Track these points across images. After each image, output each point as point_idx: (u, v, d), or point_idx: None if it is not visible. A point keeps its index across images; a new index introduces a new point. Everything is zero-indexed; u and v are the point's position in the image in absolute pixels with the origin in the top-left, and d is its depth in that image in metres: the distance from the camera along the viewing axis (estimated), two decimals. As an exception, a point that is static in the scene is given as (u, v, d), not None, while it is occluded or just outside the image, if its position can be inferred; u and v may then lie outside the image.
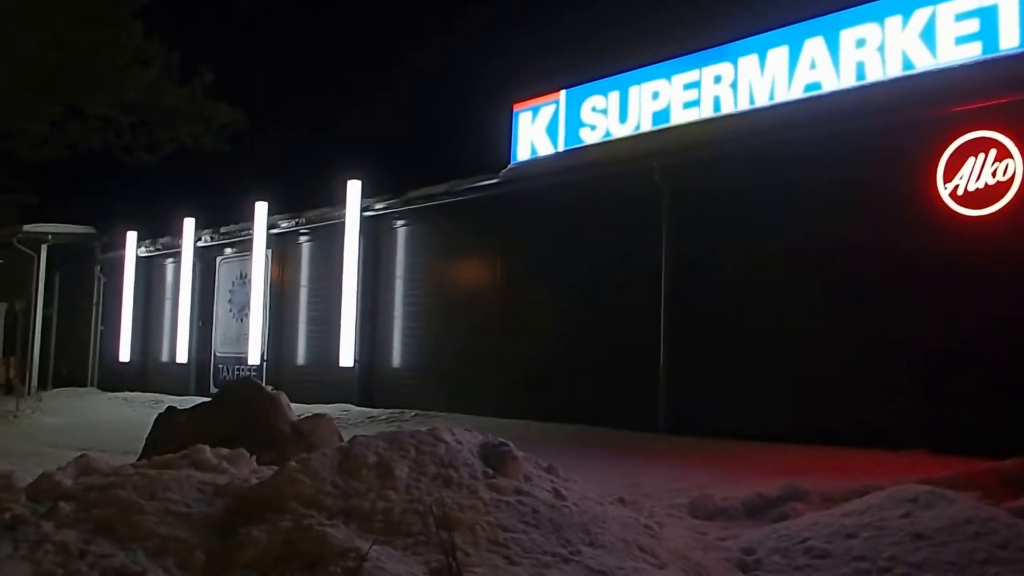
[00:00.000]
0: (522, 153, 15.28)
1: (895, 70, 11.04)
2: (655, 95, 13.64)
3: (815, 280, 11.06)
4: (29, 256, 23.64)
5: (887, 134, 10.42)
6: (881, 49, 11.20)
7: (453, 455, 5.48)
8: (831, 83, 11.63)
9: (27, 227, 23.23)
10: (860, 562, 4.90)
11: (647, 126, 13.63)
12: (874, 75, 11.22)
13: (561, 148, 14.72)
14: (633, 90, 13.91)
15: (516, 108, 15.49)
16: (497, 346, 14.74)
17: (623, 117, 14.00)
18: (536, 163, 14.93)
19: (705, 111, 12.98)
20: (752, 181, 11.69)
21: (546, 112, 15.05)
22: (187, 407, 8.67)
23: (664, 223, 12.62)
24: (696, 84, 13.17)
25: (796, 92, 11.99)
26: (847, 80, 11.48)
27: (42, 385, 23.20)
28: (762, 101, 12.35)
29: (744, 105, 12.55)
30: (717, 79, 12.92)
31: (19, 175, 12.53)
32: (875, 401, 10.25)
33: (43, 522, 4.93)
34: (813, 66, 11.85)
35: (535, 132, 15.13)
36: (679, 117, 13.27)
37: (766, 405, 11.22)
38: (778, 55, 12.23)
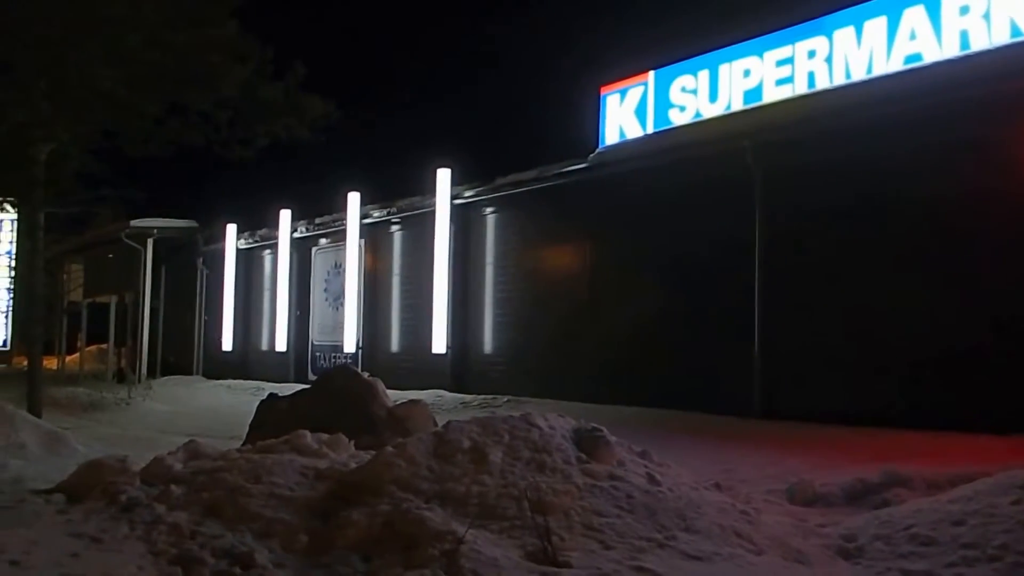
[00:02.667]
0: (610, 137, 15.16)
1: (1002, 37, 10.55)
2: (746, 73, 13.35)
3: (915, 259, 10.69)
4: (136, 250, 24.59)
5: (994, 105, 9.96)
6: (987, 16, 10.71)
7: (546, 440, 5.51)
8: (933, 54, 11.19)
9: (134, 222, 24.14)
10: (968, 550, 4.73)
11: (738, 105, 13.36)
12: (979, 44, 10.75)
13: (650, 130, 14.55)
14: (723, 68, 13.64)
15: (603, 91, 15.38)
16: (587, 331, 14.70)
17: (713, 97, 13.75)
18: (625, 146, 14.80)
19: (799, 87, 12.65)
20: (849, 158, 11.34)
21: (634, 94, 14.89)
22: (287, 394, 8.93)
23: (757, 203, 12.36)
24: (789, 60, 12.84)
25: (895, 64, 11.57)
26: (950, 50, 11.02)
27: (151, 374, 24.13)
28: (859, 75, 11.96)
29: (840, 80, 12.17)
30: (811, 54, 12.57)
31: (125, 172, 13.02)
32: (977, 384, 9.86)
33: (156, 504, 5.16)
34: (913, 36, 11.42)
35: (623, 115, 15.00)
36: (772, 95, 12.96)
37: (863, 389, 10.91)
38: (876, 26, 11.81)
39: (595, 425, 5.92)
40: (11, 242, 32.65)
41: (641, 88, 14.78)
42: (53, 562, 4.10)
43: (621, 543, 4.57)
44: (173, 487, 5.43)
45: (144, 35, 6.54)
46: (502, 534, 4.60)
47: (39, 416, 11.62)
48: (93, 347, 29.11)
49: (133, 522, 4.93)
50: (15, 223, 30.67)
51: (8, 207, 27.36)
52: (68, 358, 29.00)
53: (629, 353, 13.84)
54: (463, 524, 4.48)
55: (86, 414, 15.71)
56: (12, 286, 33.17)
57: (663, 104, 14.41)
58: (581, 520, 4.76)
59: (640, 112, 14.74)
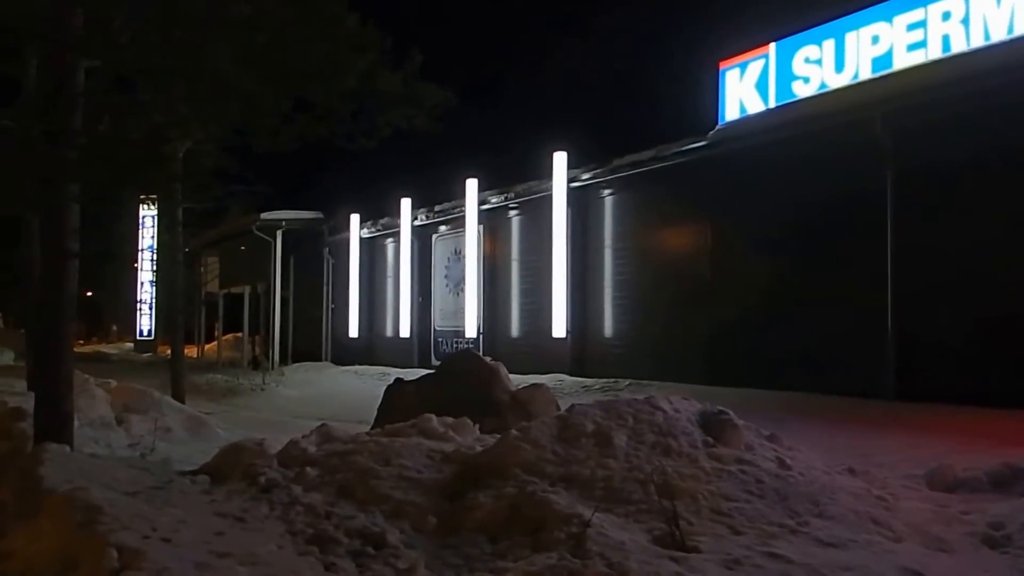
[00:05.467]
0: (730, 112, 14.82)
1: None
2: (875, 39, 12.81)
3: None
4: (266, 242, 25.56)
5: None
6: None
7: (671, 423, 5.46)
8: (1079, 11, 10.50)
9: (264, 215, 25.10)
10: None
11: (866, 74, 12.85)
12: None
13: (772, 104, 14.16)
14: (850, 36, 13.13)
15: (722, 66, 15.04)
16: (709, 312, 14.46)
17: (839, 66, 13.26)
18: (746, 122, 14.45)
19: (932, 52, 12.06)
20: (988, 126, 10.76)
21: (755, 67, 14.51)
22: (413, 379, 9.12)
23: (888, 176, 11.87)
24: (921, 24, 12.25)
25: (1038, 24, 10.91)
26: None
27: (283, 360, 25.07)
28: (999, 36, 11.32)
29: (978, 42, 11.55)
30: (946, 16, 11.96)
31: (253, 167, 13.54)
32: None
33: (293, 485, 5.37)
34: (1057, -6, 10.73)
35: (743, 89, 14.63)
36: (902, 61, 12.41)
37: (1007, 369, 10.37)
38: (1015, -15, 11.15)
39: (721, 408, 5.82)
40: (153, 237, 34.49)
41: (762, 61, 14.39)
42: (201, 540, 4.30)
43: (751, 528, 4.49)
44: (308, 469, 5.63)
45: (268, 34, 6.74)
46: (628, 518, 4.59)
47: (183, 401, 12.25)
48: (229, 336, 30.41)
49: (272, 502, 5.14)
50: (156, 219, 32.39)
51: (150, 204, 28.92)
52: (207, 346, 30.41)
53: (753, 334, 13.55)
54: (588, 507, 4.49)
55: (224, 399, 16.44)
56: (155, 279, 35.07)
57: (785, 76, 13.99)
58: (709, 505, 4.70)
59: (761, 86, 14.35)
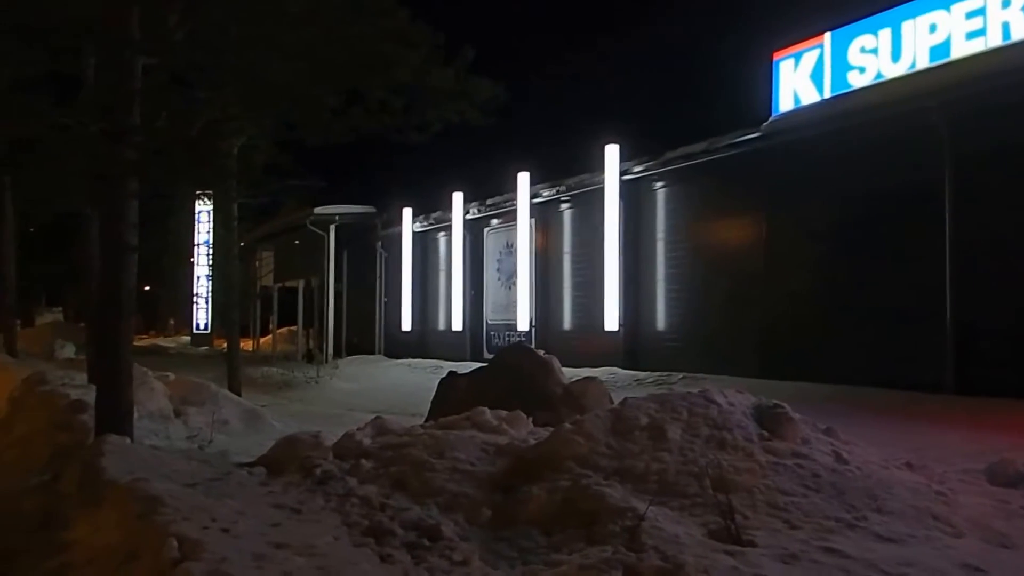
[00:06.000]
0: (784, 103, 14.62)
1: None
2: (932, 28, 12.53)
3: None
4: (320, 236, 25.84)
5: None
6: None
7: (726, 417, 5.42)
8: None
9: (317, 210, 25.36)
10: None
11: (924, 63, 12.58)
12: None
13: (827, 95, 13.93)
14: (907, 25, 12.86)
15: (776, 56, 14.83)
16: (763, 305, 14.30)
17: (896, 56, 13.00)
18: (800, 113, 14.24)
19: (992, 40, 11.76)
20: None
21: (809, 58, 14.29)
22: (466, 372, 9.15)
23: (947, 167, 11.61)
24: (980, 11, 11.95)
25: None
26: None
27: (337, 354, 25.34)
28: (1061, 22, 11.00)
29: (1041, 29, 11.24)
30: (1006, 3, 11.65)
31: (305, 162, 13.70)
32: None
33: (348, 477, 5.43)
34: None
35: (798, 80, 14.42)
36: (961, 50, 12.12)
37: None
38: (1081, -32, 10.83)
39: (776, 401, 5.76)
40: (209, 232, 35.11)
41: (816, 51, 14.17)
42: (258, 531, 4.37)
43: (808, 523, 4.44)
44: (363, 461, 5.69)
45: (322, 30, 6.81)
46: (683, 511, 4.56)
47: (239, 394, 12.45)
48: (284, 329, 30.82)
49: (328, 494, 5.20)
50: (211, 214, 32.96)
51: (206, 199, 29.44)
52: (262, 340, 30.85)
53: (808, 327, 13.37)
54: (642, 501, 4.47)
55: (279, 392, 16.67)
56: (211, 273, 35.71)
57: (841, 66, 13.76)
58: (765, 499, 4.65)
59: (816, 76, 14.13)
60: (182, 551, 3.92)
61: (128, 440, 6.68)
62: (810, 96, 14.20)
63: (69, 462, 6.66)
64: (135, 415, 7.32)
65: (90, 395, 7.96)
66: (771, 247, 14.45)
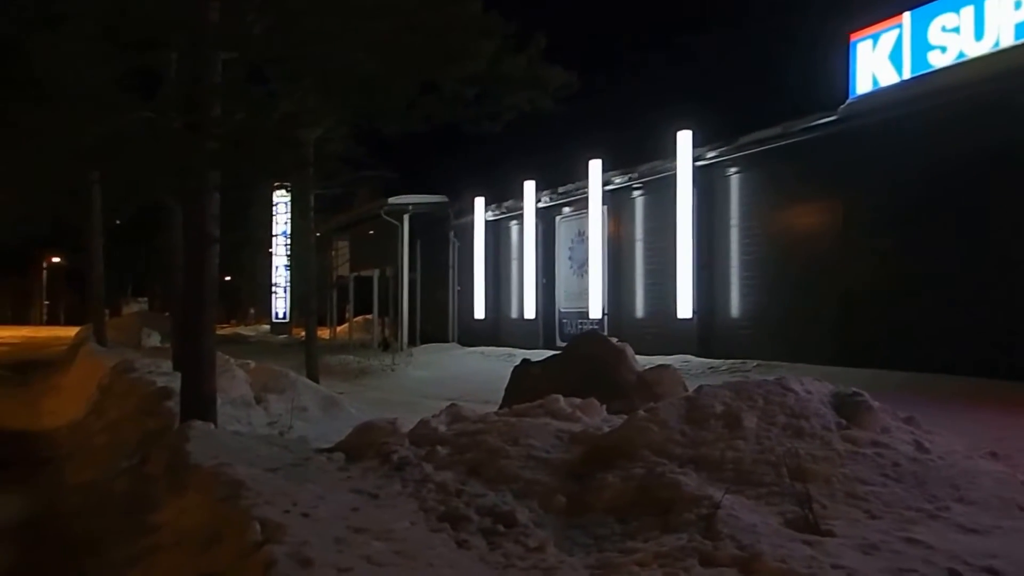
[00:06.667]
0: (862, 86, 14.26)
1: None
2: (1017, 5, 12.07)
3: None
4: (394, 226, 26.14)
5: None
6: None
7: (803, 405, 5.35)
8: None
9: (391, 200, 25.67)
10: None
11: (1008, 41, 12.13)
12: None
13: (907, 76, 13.54)
14: (990, 2, 12.41)
15: (853, 38, 14.46)
16: (840, 292, 13.99)
17: (979, 34, 12.56)
18: (879, 95, 13.87)
19: (1084, 15, 11.29)
20: None
21: (888, 38, 13.90)
22: (539, 360, 9.18)
23: (1035, 147, 11.20)
24: (1071, -15, 11.49)
25: None
26: None
27: (412, 342, 25.64)
28: None
29: None
30: (1098, -24, 11.19)
31: (381, 154, 13.87)
32: None
33: (424, 464, 5.51)
34: None
35: (876, 61, 14.04)
36: (1050, 26, 11.66)
37: None
38: None
39: (855, 389, 5.67)
40: (286, 223, 35.83)
41: (895, 32, 13.77)
42: (338, 516, 4.47)
43: (888, 513, 4.37)
44: (439, 448, 5.77)
45: (397, 20, 6.87)
46: (759, 500, 4.53)
47: (317, 382, 12.70)
48: (360, 318, 31.28)
49: (404, 480, 5.29)
50: (289, 205, 33.63)
51: (284, 190, 30.01)
52: (338, 328, 31.37)
53: (884, 313, 13.06)
54: (718, 489, 4.45)
55: (356, 380, 16.96)
56: (289, 263, 36.45)
57: (921, 47, 13.35)
58: (843, 488, 4.59)
59: (895, 57, 13.74)
60: (265, 534, 4.03)
61: (212, 426, 6.87)
62: (889, 78, 13.82)
63: (156, 447, 6.90)
64: (218, 402, 7.52)
65: (175, 382, 8.22)
66: (847, 232, 14.13)
